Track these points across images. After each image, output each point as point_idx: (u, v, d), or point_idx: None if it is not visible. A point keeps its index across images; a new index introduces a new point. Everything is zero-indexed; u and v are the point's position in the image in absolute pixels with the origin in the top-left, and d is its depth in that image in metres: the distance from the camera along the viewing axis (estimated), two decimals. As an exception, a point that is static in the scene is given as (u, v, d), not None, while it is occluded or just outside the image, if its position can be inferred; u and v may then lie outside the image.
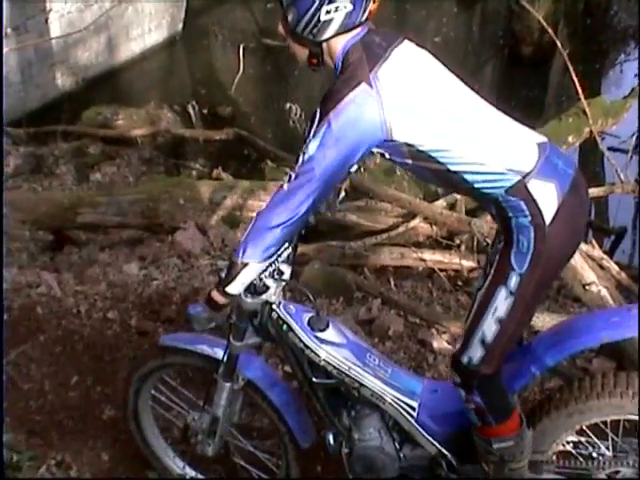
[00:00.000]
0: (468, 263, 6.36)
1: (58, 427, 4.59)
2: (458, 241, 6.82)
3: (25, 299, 5.46)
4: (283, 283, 3.41)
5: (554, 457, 3.54)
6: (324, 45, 3.11)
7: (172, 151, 9.92)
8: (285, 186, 3.03)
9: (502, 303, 3.18)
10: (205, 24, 13.38)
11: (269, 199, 3.09)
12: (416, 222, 6.82)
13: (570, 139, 8.17)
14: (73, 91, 11.13)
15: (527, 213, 3.08)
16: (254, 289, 3.33)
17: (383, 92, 2.95)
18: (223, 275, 3.20)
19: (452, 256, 6.53)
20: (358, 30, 3.09)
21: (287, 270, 3.41)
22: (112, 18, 11.35)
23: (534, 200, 3.07)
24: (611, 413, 3.38)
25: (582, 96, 7.98)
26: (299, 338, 3.42)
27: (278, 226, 3.04)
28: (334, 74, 3.15)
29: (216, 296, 3.26)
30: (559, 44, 8.52)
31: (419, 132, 3.03)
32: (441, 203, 7.05)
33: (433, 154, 3.07)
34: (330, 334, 3.47)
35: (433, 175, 3.20)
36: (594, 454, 3.51)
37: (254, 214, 5.85)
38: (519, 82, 12.19)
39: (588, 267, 5.70)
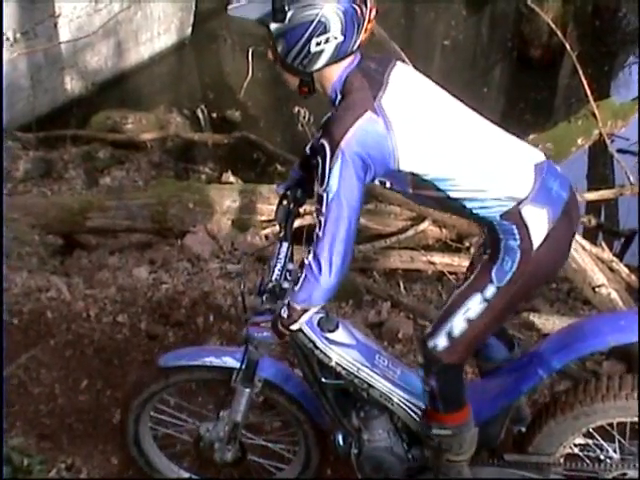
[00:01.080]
0: (477, 266, 6.34)
1: (68, 431, 4.61)
2: (467, 244, 6.82)
3: (35, 303, 5.46)
4: (292, 284, 3.42)
5: (561, 459, 3.55)
6: (315, 74, 3.10)
7: (181, 155, 9.92)
8: (320, 234, 3.02)
9: (475, 306, 3.25)
10: (214, 28, 13.39)
11: (313, 249, 3.07)
12: (425, 225, 6.82)
13: (579, 141, 8.14)
14: (82, 95, 11.14)
15: (517, 237, 3.14)
16: (275, 294, 3.35)
17: (389, 121, 2.97)
18: (284, 314, 3.21)
19: (461, 259, 6.52)
20: (352, 58, 3.08)
21: (293, 267, 3.45)
22: (121, 23, 11.37)
23: (526, 225, 3.13)
24: (617, 415, 3.40)
25: (591, 98, 7.95)
26: (309, 339, 3.45)
27: (330, 271, 3.04)
28: (331, 103, 3.14)
29: (284, 332, 3.28)
30: (568, 46, 8.48)
31: (425, 161, 3.06)
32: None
33: (436, 182, 3.10)
34: (339, 335, 3.49)
35: (432, 201, 3.24)
36: (601, 456, 3.52)
37: (264, 218, 5.83)
38: (528, 84, 12.17)
39: (598, 270, 5.69)
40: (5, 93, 9.44)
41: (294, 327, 3.25)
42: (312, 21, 2.94)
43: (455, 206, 3.19)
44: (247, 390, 3.61)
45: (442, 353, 3.33)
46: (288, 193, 3.71)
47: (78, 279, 5.94)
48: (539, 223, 3.13)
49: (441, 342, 3.32)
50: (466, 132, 3.16)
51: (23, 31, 9.89)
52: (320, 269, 3.04)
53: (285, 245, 3.48)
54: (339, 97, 3.08)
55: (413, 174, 3.08)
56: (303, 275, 3.11)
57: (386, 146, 2.98)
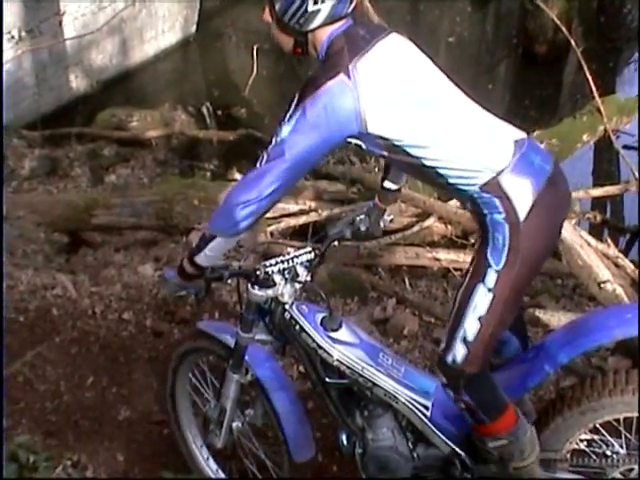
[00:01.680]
0: (482, 262, 6.34)
1: (74, 428, 4.62)
2: (473, 240, 6.81)
3: (41, 301, 5.48)
4: (297, 285, 3.41)
5: (568, 455, 3.54)
6: (309, 35, 3.14)
7: (186, 152, 9.93)
8: (257, 166, 3.07)
9: (481, 300, 3.19)
10: (219, 26, 13.39)
11: (242, 179, 3.16)
12: (430, 221, 6.81)
13: (585, 137, 8.13)
14: (87, 93, 11.16)
15: (501, 210, 3.10)
16: (258, 281, 3.34)
17: (360, 84, 2.97)
18: (194, 246, 3.26)
19: (467, 255, 6.51)
20: (343, 22, 3.11)
21: (303, 273, 3.42)
22: (126, 20, 11.38)
23: (508, 197, 3.09)
24: (624, 410, 3.38)
25: (596, 94, 7.95)
26: (312, 338, 3.43)
27: (244, 204, 3.08)
28: (318, 64, 3.18)
29: (186, 265, 3.31)
30: (573, 42, 8.50)
31: (395, 126, 3.05)
32: (455, 202, 7.03)
33: (408, 149, 3.09)
34: (343, 334, 3.47)
35: (409, 168, 3.23)
36: (608, 452, 3.51)
37: (268, 215, 5.84)
38: (533, 81, 12.16)
39: (603, 265, 5.68)
40: (10, 91, 9.46)
41: (199, 259, 3.25)
42: None
43: (431, 175, 3.16)
44: (235, 376, 3.61)
45: (463, 364, 3.26)
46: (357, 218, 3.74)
47: (84, 276, 5.96)
48: (521, 193, 3.09)
49: (459, 352, 3.25)
50: (443, 104, 3.15)
51: (28, 29, 9.90)
52: (238, 199, 3.08)
53: (306, 249, 3.47)
54: (323, 58, 3.13)
55: (383, 138, 3.07)
56: (223, 200, 3.15)
57: (352, 109, 2.98)
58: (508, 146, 3.14)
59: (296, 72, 11.57)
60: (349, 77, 2.97)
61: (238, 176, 8.30)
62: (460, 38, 13.68)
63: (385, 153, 3.16)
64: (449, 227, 6.85)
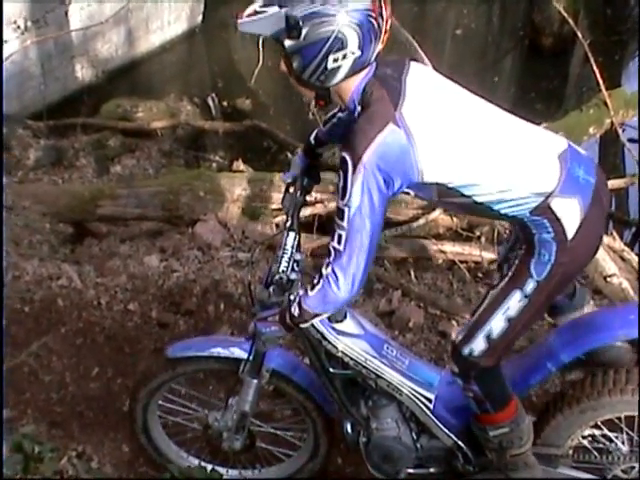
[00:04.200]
0: (488, 255, 6.33)
1: (79, 418, 4.63)
2: (478, 233, 6.80)
3: (46, 291, 5.48)
4: (300, 274, 3.42)
5: (570, 452, 3.55)
6: (332, 87, 3.04)
7: (192, 143, 9.91)
8: (340, 248, 3.00)
9: (515, 304, 3.23)
10: (224, 16, 13.34)
11: (331, 262, 3.05)
12: (436, 214, 6.79)
13: (591, 130, 8.11)
14: (93, 84, 11.13)
15: (551, 230, 3.11)
16: (282, 286, 3.35)
17: (412, 133, 2.91)
18: (294, 312, 3.20)
19: (472, 248, 6.51)
20: (368, 68, 3.02)
21: (300, 257, 3.46)
22: (132, 11, 11.34)
23: (557, 218, 3.09)
24: (624, 409, 3.41)
25: (603, 87, 7.93)
26: (317, 329, 3.45)
27: (351, 288, 3.04)
28: (350, 113, 3.11)
29: (290, 324, 3.27)
30: (579, 35, 8.47)
31: (449, 170, 3.02)
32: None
33: (461, 189, 3.06)
34: (348, 325, 3.49)
35: (458, 207, 3.22)
36: (610, 449, 3.53)
37: (275, 206, 5.79)
38: (539, 73, 12.12)
39: (609, 259, 5.68)
40: (16, 81, 9.47)
41: (303, 325, 3.27)
42: (329, 38, 2.86)
43: (482, 209, 3.16)
44: (254, 381, 3.63)
45: (480, 358, 3.32)
46: (295, 181, 3.70)
47: (89, 267, 5.95)
48: (571, 214, 3.10)
49: (478, 346, 3.30)
50: (487, 134, 3.11)
51: (34, 19, 9.88)
52: (339, 284, 3.03)
53: (292, 235, 3.46)
54: (358, 108, 3.03)
55: (438, 184, 3.04)
56: (320, 285, 3.08)
57: (409, 159, 2.93)
58: (554, 165, 3.12)
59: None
60: (399, 126, 2.91)
61: (243, 167, 8.29)
62: (467, 30, 13.63)
63: (436, 198, 3.14)
64: (455, 219, 6.83)
